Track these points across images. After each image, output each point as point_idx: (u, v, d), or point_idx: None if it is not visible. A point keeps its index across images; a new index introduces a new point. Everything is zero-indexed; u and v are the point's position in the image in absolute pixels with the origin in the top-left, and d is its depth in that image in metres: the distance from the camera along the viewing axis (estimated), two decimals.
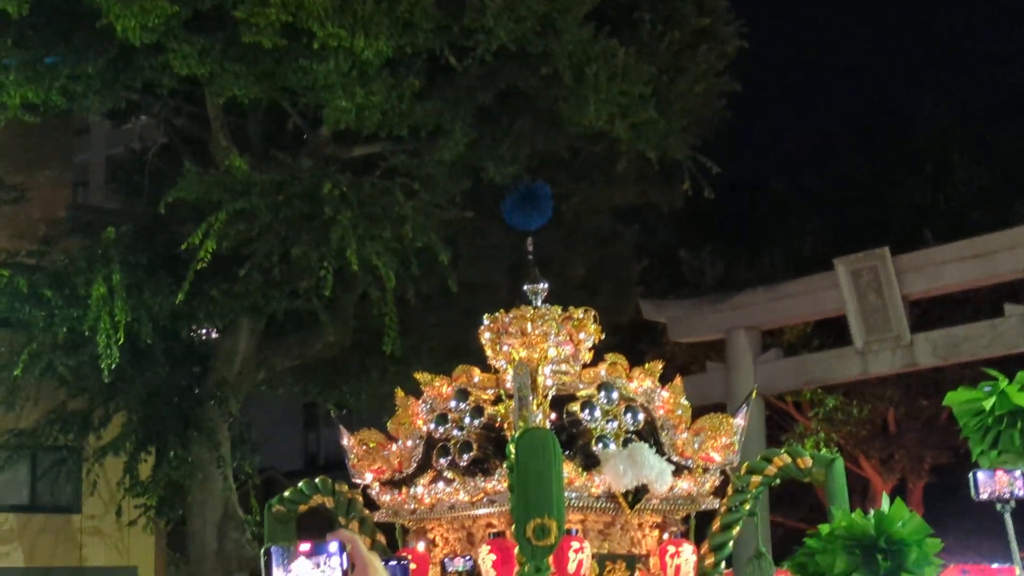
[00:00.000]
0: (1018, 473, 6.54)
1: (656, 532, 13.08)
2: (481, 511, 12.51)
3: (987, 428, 8.81)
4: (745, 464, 13.41)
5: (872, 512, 10.95)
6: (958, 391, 9.11)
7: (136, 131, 24.29)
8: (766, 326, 26.62)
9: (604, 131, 19.56)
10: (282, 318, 20.91)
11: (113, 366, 18.15)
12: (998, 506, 6.42)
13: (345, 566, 2.64)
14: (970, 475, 6.72)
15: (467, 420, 12.93)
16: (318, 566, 2.62)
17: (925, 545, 10.60)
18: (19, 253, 20.73)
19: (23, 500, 23.59)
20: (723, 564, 13.03)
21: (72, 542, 23.83)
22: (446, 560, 11.03)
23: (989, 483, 6.46)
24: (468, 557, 11.05)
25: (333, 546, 2.64)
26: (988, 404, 8.62)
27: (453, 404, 13.09)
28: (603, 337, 13.71)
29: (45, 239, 21.13)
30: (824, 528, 11.16)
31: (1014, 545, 6.70)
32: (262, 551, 2.65)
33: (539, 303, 13.44)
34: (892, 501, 11.29)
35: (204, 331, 21.60)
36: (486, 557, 11.88)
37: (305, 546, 2.64)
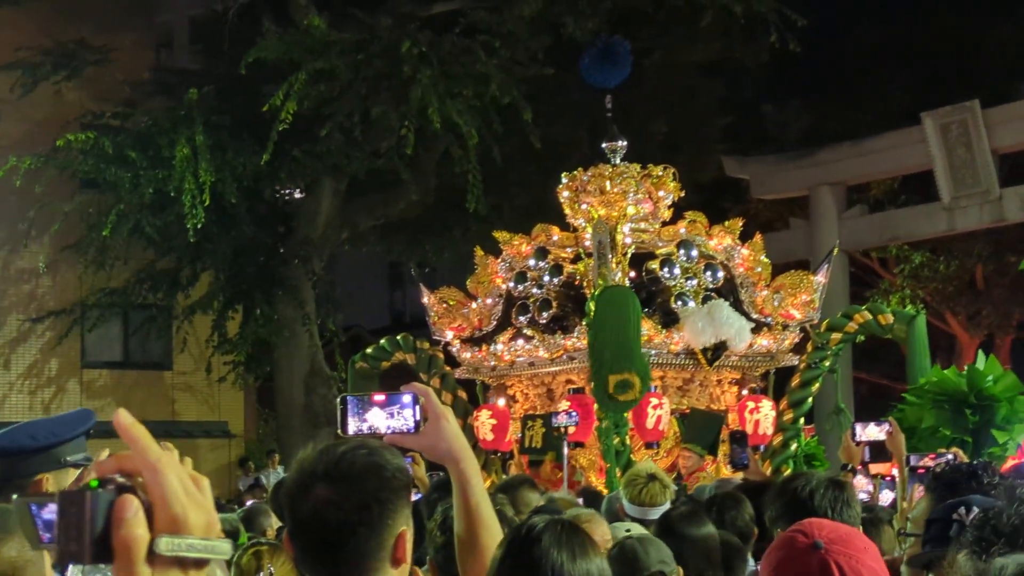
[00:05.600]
0: None
1: (735, 388, 13.16)
2: (560, 367, 12.65)
3: None
4: (826, 321, 13.39)
5: (965, 368, 10.91)
6: None
7: None
8: (851, 182, 26.23)
9: None
10: (364, 178, 21.00)
11: (199, 226, 18.41)
12: None
13: (418, 417, 2.69)
14: None
15: (546, 278, 13.01)
16: (391, 415, 2.69)
17: (1017, 402, 10.54)
18: (104, 115, 20.98)
19: (116, 357, 24.22)
20: (802, 420, 13.11)
21: (164, 397, 24.47)
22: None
23: None
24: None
25: (407, 398, 2.70)
26: None
27: (532, 262, 13.16)
28: (684, 194, 13.65)
29: (129, 101, 21.32)
30: (922, 382, 11.16)
31: None
32: (338, 400, 2.72)
33: (618, 161, 13.38)
34: (979, 357, 11.21)
35: (287, 191, 21.79)
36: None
37: (380, 396, 2.72)
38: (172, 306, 21.98)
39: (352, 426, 2.70)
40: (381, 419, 2.70)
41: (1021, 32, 28.33)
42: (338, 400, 2.73)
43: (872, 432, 6.48)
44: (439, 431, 2.75)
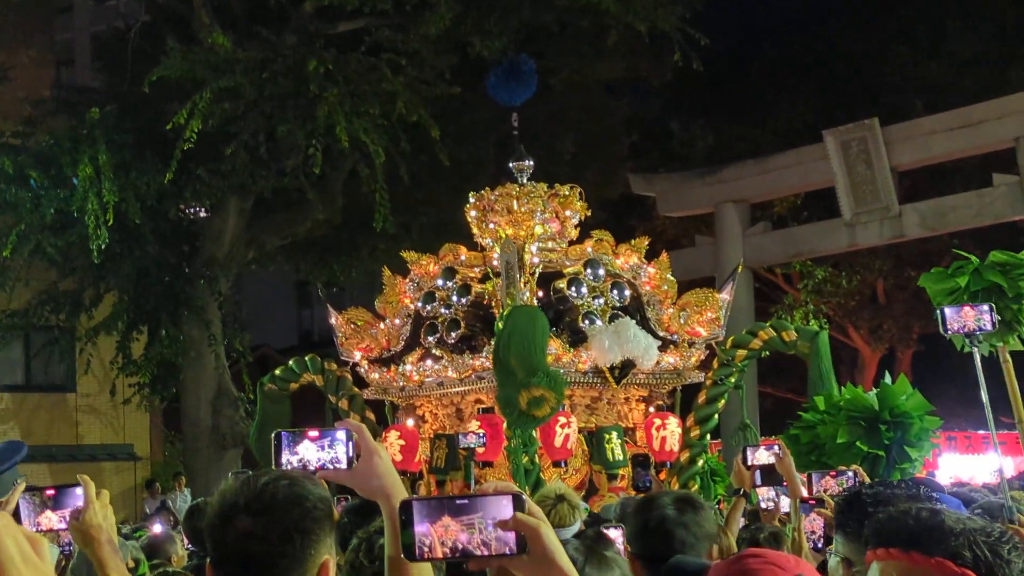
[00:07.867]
0: (985, 308, 6.56)
1: (642, 405, 13.24)
2: (469, 387, 12.65)
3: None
4: (731, 338, 13.53)
5: (879, 386, 11.13)
6: (931, 273, 9.16)
7: (119, 8, 23.92)
8: (755, 199, 26.59)
9: (592, 3, 19.36)
10: (270, 196, 20.87)
11: (102, 246, 18.15)
12: (965, 343, 6.41)
13: (351, 454, 2.70)
14: (937, 311, 6.75)
15: (454, 298, 13.00)
16: (322, 448, 2.69)
17: (926, 420, 10.82)
18: (3, 134, 20.62)
19: (18, 380, 23.81)
20: (708, 436, 13.23)
21: (68, 421, 24.08)
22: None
23: (956, 318, 6.49)
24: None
25: (340, 434, 2.71)
26: (963, 282, 8.63)
27: (440, 282, 13.15)
28: (592, 212, 13.74)
29: (29, 119, 20.96)
30: (820, 401, 11.29)
31: (982, 382, 6.71)
32: (272, 436, 2.72)
33: (525, 180, 13.42)
34: (881, 370, 11.43)
35: (192, 210, 21.56)
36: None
37: (313, 432, 2.73)
38: (75, 327, 21.58)
39: (284, 459, 2.71)
40: (312, 452, 2.71)
41: (918, 53, 28.95)
42: (272, 436, 2.74)
43: (762, 456, 6.55)
44: (372, 467, 2.74)
